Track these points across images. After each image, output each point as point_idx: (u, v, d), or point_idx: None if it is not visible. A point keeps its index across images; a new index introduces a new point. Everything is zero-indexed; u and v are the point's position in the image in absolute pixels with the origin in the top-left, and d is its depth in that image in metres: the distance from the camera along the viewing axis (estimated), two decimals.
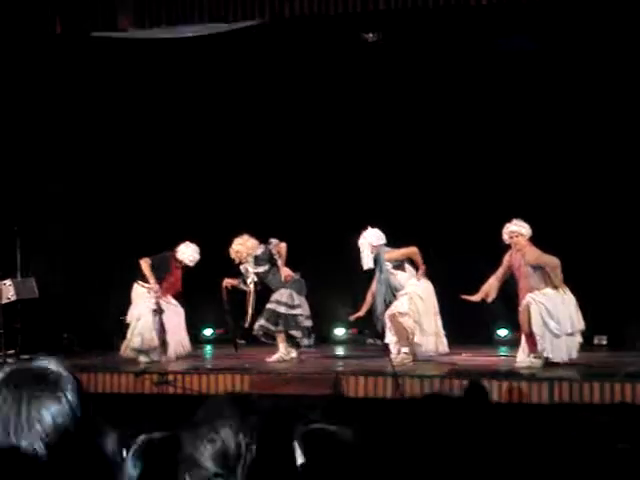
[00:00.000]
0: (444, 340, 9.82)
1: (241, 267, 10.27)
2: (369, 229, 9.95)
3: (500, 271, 9.47)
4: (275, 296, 10.01)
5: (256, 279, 10.20)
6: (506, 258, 9.43)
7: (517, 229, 9.27)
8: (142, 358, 10.13)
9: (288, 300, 9.96)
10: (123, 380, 9.03)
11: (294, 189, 12.00)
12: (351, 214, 11.23)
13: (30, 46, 10.60)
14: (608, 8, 9.88)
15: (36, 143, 11.51)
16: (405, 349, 9.66)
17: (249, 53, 11.27)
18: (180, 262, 10.39)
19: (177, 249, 10.40)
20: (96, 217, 11.89)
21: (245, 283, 10.26)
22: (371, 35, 11.11)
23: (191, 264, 10.40)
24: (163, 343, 10.15)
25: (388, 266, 9.84)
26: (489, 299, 9.50)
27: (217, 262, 10.37)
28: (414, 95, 11.69)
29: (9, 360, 9.97)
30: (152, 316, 10.13)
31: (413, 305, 9.71)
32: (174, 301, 10.44)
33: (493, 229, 9.49)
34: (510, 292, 9.47)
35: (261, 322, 9.96)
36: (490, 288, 9.47)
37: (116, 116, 12.00)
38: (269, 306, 9.97)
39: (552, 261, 9.16)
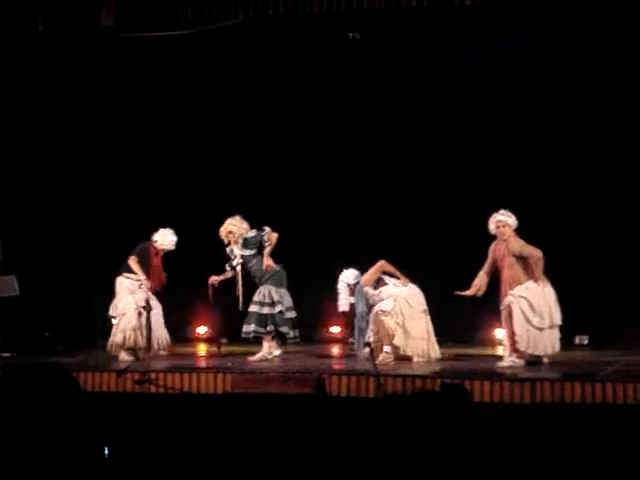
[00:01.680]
0: (436, 346, 9.84)
1: (227, 249, 10.23)
2: (344, 271, 10.03)
3: (487, 263, 9.49)
4: (255, 298, 9.99)
5: (241, 261, 10.17)
6: (491, 249, 9.46)
7: (504, 219, 9.31)
8: (124, 356, 10.11)
9: (268, 299, 9.95)
10: (105, 379, 8.99)
11: (287, 186, 12.00)
12: (339, 215, 11.29)
13: (12, 43, 10.55)
14: (592, 7, 9.91)
15: (16, 140, 11.45)
16: (387, 348, 9.67)
17: (233, 50, 11.26)
18: (158, 250, 10.40)
19: (153, 238, 10.42)
20: (78, 213, 11.84)
21: (232, 267, 10.20)
22: (355, 34, 11.11)
23: (173, 248, 10.44)
24: (148, 340, 10.13)
25: (369, 291, 9.87)
26: (479, 293, 9.52)
27: (207, 260, 10.35)
28: (398, 93, 11.72)
29: None
30: (138, 313, 10.10)
31: (397, 306, 9.73)
32: (153, 296, 10.42)
33: (478, 226, 9.53)
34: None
35: (251, 327, 9.92)
36: (480, 282, 9.49)
37: (99, 111, 11.96)
38: (253, 309, 9.94)
39: (535, 253, 9.21)
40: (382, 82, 11.70)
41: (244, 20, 9.82)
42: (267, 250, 10.07)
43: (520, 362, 9.15)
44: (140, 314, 10.05)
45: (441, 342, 10.02)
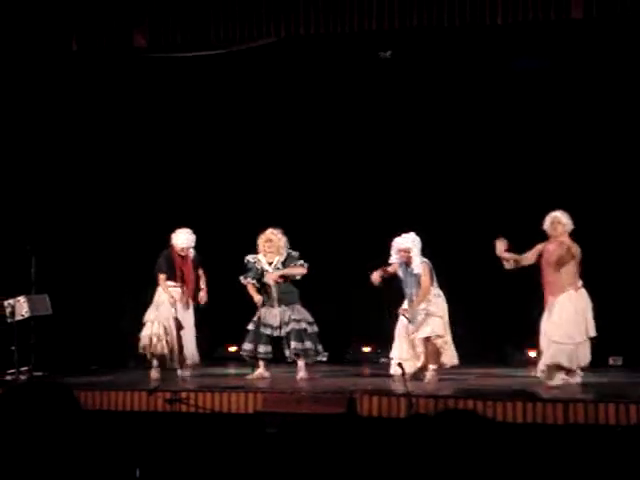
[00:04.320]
0: (455, 352, 9.82)
1: (251, 258, 10.13)
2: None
3: (529, 254, 9.39)
4: (297, 317, 9.99)
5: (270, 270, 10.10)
6: (539, 247, 9.37)
7: (560, 216, 9.27)
8: (155, 374, 10.16)
9: (306, 316, 10.01)
10: (136, 398, 9.00)
11: (318, 206, 12.03)
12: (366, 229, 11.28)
13: (46, 62, 10.65)
14: (619, 29, 9.88)
15: (51, 159, 11.55)
16: (434, 366, 9.72)
17: (265, 70, 11.32)
18: (179, 252, 10.34)
19: (171, 242, 10.37)
20: (110, 233, 11.91)
21: (259, 276, 10.08)
22: (386, 53, 11.12)
23: (191, 244, 10.33)
24: (180, 352, 10.16)
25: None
26: (506, 265, 9.43)
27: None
28: (427, 113, 11.73)
29: (22, 377, 9.99)
30: (162, 324, 10.14)
31: (445, 326, 9.79)
32: (190, 310, 10.42)
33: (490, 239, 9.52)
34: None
35: (307, 345, 9.95)
36: (513, 258, 9.40)
37: (131, 130, 12.06)
38: (301, 327, 9.97)
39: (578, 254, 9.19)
40: (411, 102, 11.72)
41: (276, 40, 9.86)
42: (287, 271, 10.07)
43: (573, 380, 9.10)
44: (166, 327, 10.09)
45: (472, 361, 9.96)
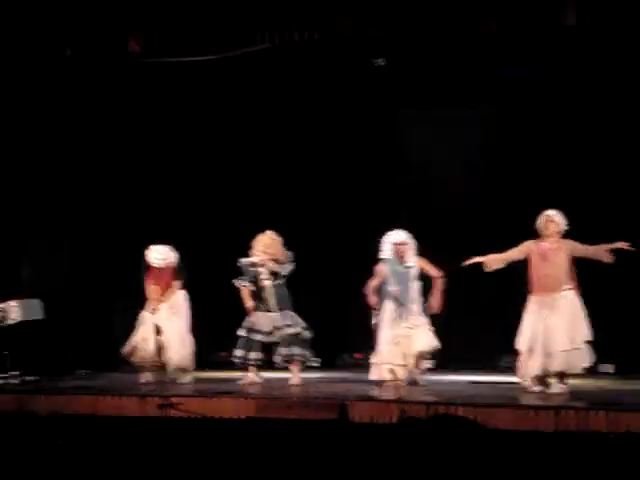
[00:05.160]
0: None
1: (246, 261, 10.05)
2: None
3: (512, 253, 9.35)
4: (289, 322, 9.99)
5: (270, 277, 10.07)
6: (529, 245, 9.30)
7: (553, 215, 9.24)
8: (147, 376, 10.17)
9: (299, 321, 10.02)
10: (126, 403, 8.99)
11: (314, 212, 12.07)
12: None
13: (40, 67, 10.66)
14: (612, 36, 9.93)
15: (43, 163, 11.55)
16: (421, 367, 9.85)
17: (259, 76, 11.35)
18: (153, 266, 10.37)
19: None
20: (102, 239, 11.91)
21: (254, 280, 10.06)
22: (380, 60, 11.15)
23: (159, 264, 10.27)
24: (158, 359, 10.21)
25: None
26: (487, 268, 9.36)
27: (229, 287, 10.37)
28: (421, 118, 11.79)
29: (13, 381, 9.98)
30: (144, 329, 10.18)
31: None
32: (179, 315, 10.41)
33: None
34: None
35: (297, 351, 9.98)
36: (495, 260, 9.34)
37: (126, 136, 12.07)
38: (291, 331, 9.96)
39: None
40: (405, 106, 11.77)
41: (270, 46, 9.88)
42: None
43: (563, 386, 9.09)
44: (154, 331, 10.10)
45: (460, 368, 9.97)
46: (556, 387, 9.08)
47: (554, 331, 9.02)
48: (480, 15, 9.23)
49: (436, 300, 9.75)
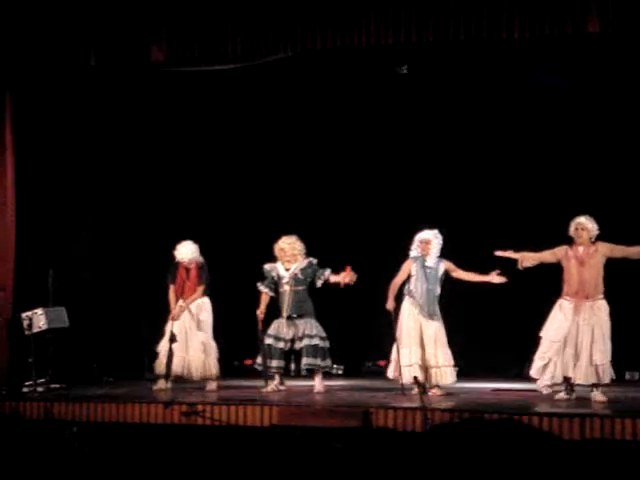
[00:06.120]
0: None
1: (268, 266, 10.12)
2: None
3: (545, 254, 9.35)
4: (313, 332, 10.00)
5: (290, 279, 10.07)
6: (561, 248, 9.29)
7: (585, 222, 9.21)
8: (163, 384, 10.23)
9: (320, 331, 10.00)
10: (152, 410, 9.02)
11: (338, 223, 12.11)
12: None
13: (65, 77, 10.72)
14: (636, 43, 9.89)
15: (67, 171, 11.62)
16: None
17: (281, 84, 11.39)
18: (183, 264, 10.41)
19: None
20: (126, 244, 11.97)
21: (275, 285, 10.10)
22: (403, 68, 11.16)
23: (190, 256, 10.35)
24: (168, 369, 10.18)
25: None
26: (520, 265, 9.34)
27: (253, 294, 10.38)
28: (443, 127, 11.78)
29: (39, 389, 10.03)
30: (164, 340, 10.20)
31: None
32: (202, 322, 10.43)
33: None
34: None
35: (318, 361, 9.96)
36: (529, 257, 9.35)
37: (150, 144, 12.15)
38: (314, 343, 9.96)
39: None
40: (427, 116, 11.78)
41: (292, 54, 9.91)
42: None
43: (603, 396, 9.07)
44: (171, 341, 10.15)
45: (485, 375, 9.96)
46: (599, 396, 9.05)
47: (594, 343, 9.03)
48: (503, 23, 9.21)
49: (475, 277, 9.81)
